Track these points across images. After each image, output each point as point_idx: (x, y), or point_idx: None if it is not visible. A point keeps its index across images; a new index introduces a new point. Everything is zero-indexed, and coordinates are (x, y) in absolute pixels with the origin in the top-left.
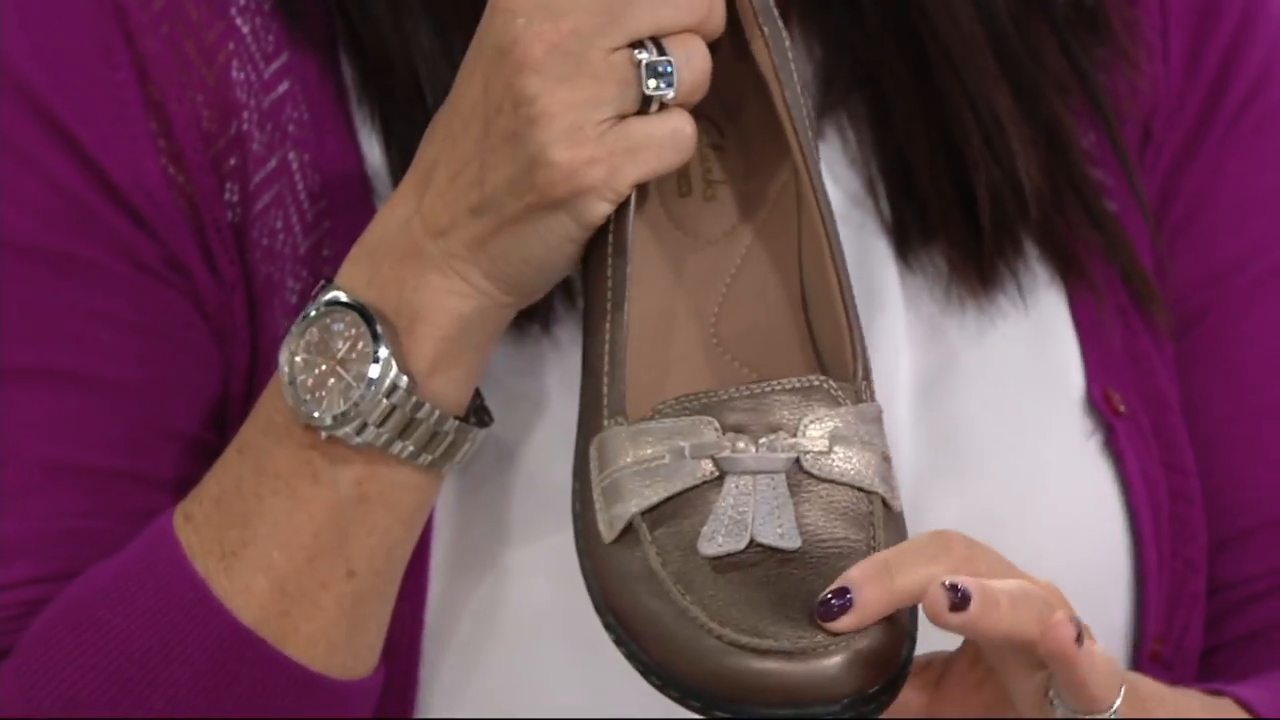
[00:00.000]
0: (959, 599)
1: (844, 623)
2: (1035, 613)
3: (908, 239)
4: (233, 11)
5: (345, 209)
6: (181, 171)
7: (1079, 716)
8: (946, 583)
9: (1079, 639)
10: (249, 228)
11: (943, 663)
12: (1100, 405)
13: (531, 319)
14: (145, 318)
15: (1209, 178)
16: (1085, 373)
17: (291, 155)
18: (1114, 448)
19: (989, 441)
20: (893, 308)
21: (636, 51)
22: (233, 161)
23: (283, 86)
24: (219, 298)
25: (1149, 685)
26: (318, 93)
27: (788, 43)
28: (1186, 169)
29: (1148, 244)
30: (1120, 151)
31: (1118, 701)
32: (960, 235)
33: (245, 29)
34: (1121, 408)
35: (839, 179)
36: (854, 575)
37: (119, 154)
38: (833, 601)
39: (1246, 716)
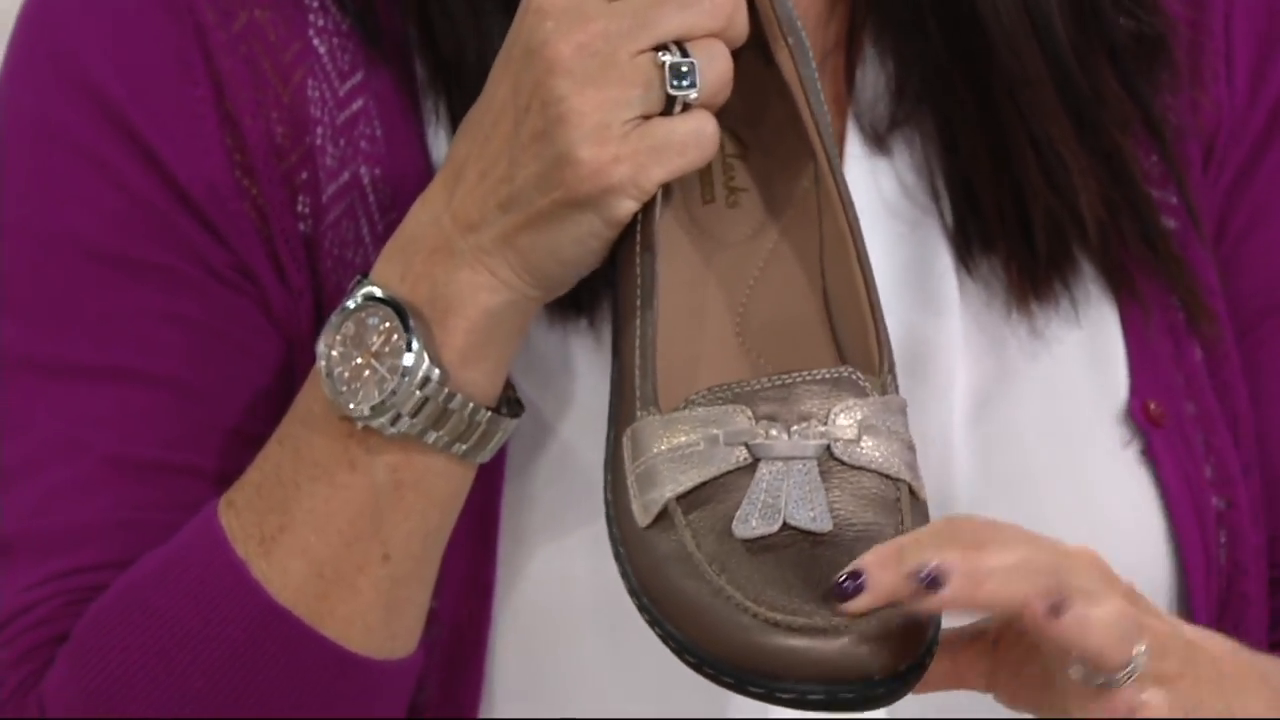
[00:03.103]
0: (927, 582)
1: (858, 604)
2: (1027, 587)
3: (969, 248)
4: (310, 33)
5: None
6: (254, 183)
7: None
8: (912, 570)
9: (1056, 611)
10: (321, 238)
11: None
12: (1137, 416)
13: (579, 311)
14: (213, 321)
15: (1269, 191)
16: (1130, 385)
17: (363, 170)
18: (1151, 456)
19: (1040, 452)
20: (952, 317)
21: (660, 54)
22: (304, 175)
23: (357, 104)
24: (287, 304)
25: (1220, 644)
26: (391, 109)
27: (811, 53)
28: (1247, 184)
29: (1208, 262)
30: (1179, 179)
31: (1133, 663)
32: (1020, 249)
33: (322, 49)
34: (1160, 418)
35: (906, 187)
36: (868, 560)
37: (194, 165)
38: (846, 584)
39: None
